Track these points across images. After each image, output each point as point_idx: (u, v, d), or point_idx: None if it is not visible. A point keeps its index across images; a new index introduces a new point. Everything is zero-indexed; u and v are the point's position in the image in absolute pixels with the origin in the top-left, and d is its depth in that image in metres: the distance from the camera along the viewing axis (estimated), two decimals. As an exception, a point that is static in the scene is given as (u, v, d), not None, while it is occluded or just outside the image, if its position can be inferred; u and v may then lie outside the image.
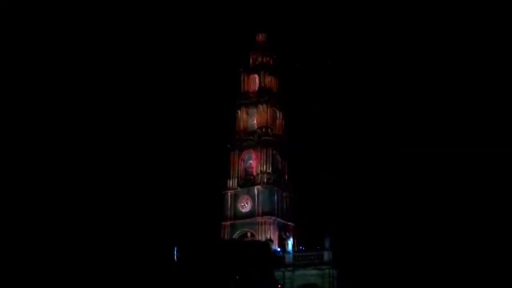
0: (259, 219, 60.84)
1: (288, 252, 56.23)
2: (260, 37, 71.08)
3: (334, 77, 76.15)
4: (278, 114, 67.60)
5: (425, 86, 74.40)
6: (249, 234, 61.08)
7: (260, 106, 66.26)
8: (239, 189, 63.60)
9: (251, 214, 61.74)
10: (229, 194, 63.67)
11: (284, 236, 61.41)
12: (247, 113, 66.92)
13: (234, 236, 61.46)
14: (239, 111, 67.22)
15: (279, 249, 58.93)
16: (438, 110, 73.10)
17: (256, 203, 61.75)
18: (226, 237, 61.75)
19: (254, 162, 64.37)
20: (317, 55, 77.37)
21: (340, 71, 76.30)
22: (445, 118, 71.98)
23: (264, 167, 63.32)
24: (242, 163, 64.98)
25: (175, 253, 50.80)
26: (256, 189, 62.24)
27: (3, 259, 44.05)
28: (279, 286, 54.41)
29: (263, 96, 66.61)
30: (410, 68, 74.73)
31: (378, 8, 76.79)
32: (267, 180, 62.52)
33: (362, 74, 77.81)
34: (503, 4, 68.08)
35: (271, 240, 58.95)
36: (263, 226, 60.30)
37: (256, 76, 68.43)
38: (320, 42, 79.22)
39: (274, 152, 64.59)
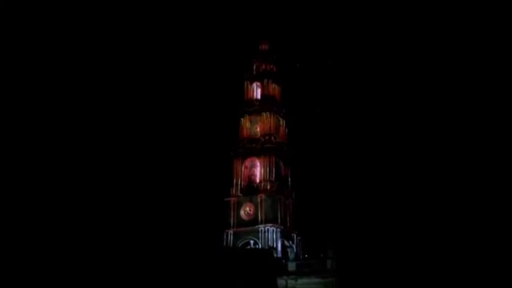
0: (262, 227, 60.66)
1: (291, 260, 56.00)
2: (263, 45, 71.44)
3: (335, 79, 76.36)
4: (281, 122, 67.72)
5: (426, 85, 74.54)
6: (252, 242, 60.95)
7: (264, 114, 66.32)
8: (242, 196, 63.45)
9: (254, 222, 61.50)
10: (232, 201, 63.50)
11: (287, 244, 61.31)
12: (251, 121, 67.00)
13: (237, 244, 61.33)
14: (242, 119, 67.33)
15: (282, 257, 58.73)
16: (438, 111, 73.19)
17: (259, 210, 61.56)
18: (229, 244, 61.63)
19: (257, 169, 64.36)
20: (317, 58, 77.75)
21: (341, 73, 76.45)
22: (444, 119, 72.08)
23: (267, 174, 63.23)
24: (245, 170, 64.86)
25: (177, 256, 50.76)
26: (259, 197, 62.11)
27: (3, 259, 44.03)
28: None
29: (266, 103, 66.79)
30: (410, 68, 74.75)
31: (378, 8, 77.13)
32: (270, 188, 62.43)
33: (362, 76, 77.91)
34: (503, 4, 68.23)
35: (273, 248, 58.80)
36: (266, 234, 60.17)
37: (260, 84, 68.74)
38: (320, 45, 79.66)
39: (277, 159, 64.54)
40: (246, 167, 64.92)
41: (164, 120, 78.09)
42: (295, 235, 63.48)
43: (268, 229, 60.44)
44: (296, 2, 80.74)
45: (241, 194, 63.63)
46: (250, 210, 62.34)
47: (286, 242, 61.64)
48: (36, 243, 46.86)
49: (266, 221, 60.91)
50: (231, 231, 62.24)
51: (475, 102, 71.10)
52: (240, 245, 61.17)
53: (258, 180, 63.65)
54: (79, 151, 68.06)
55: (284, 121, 68.05)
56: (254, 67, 70.27)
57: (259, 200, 62.00)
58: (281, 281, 54.43)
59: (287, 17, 78.42)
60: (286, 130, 68.05)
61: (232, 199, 63.59)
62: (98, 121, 73.57)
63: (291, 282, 54.40)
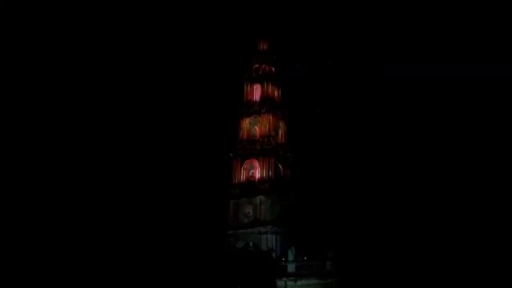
0: (261, 228, 60.67)
1: (290, 262, 56.08)
2: (262, 45, 71.44)
3: (335, 79, 76.17)
4: (280, 123, 67.72)
5: (426, 85, 74.38)
6: (251, 244, 60.94)
7: (263, 115, 66.38)
8: (241, 198, 63.41)
9: (253, 223, 61.51)
10: (231, 203, 63.53)
11: (286, 245, 61.25)
12: (250, 122, 67.07)
13: (237, 246, 61.33)
14: (242, 120, 67.37)
15: (281, 259, 58.70)
16: (438, 112, 73.10)
17: (258, 212, 61.60)
18: (229, 246, 61.64)
19: (256, 171, 64.35)
20: (317, 58, 77.58)
21: (340, 73, 76.19)
22: (444, 119, 72.01)
23: (267, 176, 63.24)
24: (244, 172, 64.89)
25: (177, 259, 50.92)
26: (258, 198, 62.13)
27: (3, 259, 44.19)
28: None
29: (265, 105, 66.81)
30: (410, 68, 74.38)
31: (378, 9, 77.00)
32: (269, 189, 62.42)
33: (362, 76, 77.69)
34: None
35: (273, 250, 58.83)
36: (265, 235, 60.16)
37: (259, 85, 68.83)
38: (320, 45, 79.50)
39: (276, 161, 64.55)
40: (245, 169, 64.94)
41: (164, 121, 78.11)
42: (294, 237, 63.38)
43: (267, 231, 60.46)
44: (296, 2, 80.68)
45: (240, 196, 63.58)
46: (249, 211, 62.35)
47: (285, 244, 61.59)
48: (36, 243, 47.01)
49: (266, 222, 60.92)
50: (230, 233, 62.23)
51: (476, 102, 71.00)
52: (239, 246, 61.16)
53: (257, 182, 63.61)
54: (79, 151, 68.17)
55: (283, 122, 68.06)
56: (254, 68, 70.28)
57: (258, 201, 62.03)
58: (280, 283, 54.59)
59: (286, 17, 78.26)
60: (286, 131, 68.05)
61: (232, 201, 63.60)
62: (98, 121, 73.67)
63: (290, 283, 54.55)
